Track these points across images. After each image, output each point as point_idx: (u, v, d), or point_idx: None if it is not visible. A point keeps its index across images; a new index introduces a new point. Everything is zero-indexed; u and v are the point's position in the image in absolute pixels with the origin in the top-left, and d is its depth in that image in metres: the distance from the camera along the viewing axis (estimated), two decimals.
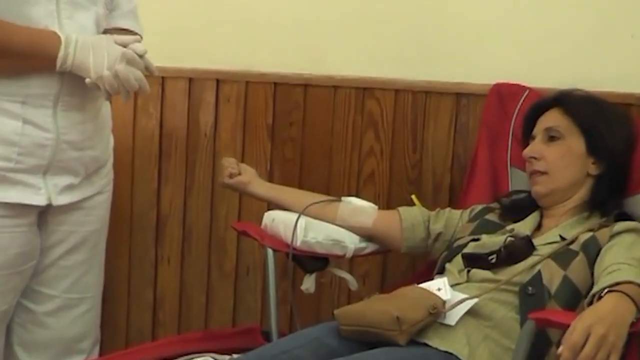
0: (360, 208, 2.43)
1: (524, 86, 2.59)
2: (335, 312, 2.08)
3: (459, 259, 2.22)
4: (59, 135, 2.16)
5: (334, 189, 2.78)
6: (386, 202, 2.76)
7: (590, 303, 1.89)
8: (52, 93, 2.13)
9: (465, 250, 2.23)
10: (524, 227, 2.25)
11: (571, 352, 1.72)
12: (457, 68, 2.72)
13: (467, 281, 2.14)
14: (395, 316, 1.94)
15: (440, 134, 2.74)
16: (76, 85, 2.13)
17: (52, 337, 2.36)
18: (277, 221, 2.41)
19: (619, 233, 2.12)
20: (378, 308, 2.00)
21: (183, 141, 2.89)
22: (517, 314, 2.04)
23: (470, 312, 2.02)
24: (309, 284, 2.40)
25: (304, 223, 2.36)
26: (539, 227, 2.26)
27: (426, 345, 1.99)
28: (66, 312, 2.35)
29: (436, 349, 1.97)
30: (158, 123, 2.90)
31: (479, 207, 2.40)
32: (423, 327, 1.98)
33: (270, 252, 2.36)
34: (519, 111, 2.53)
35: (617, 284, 1.87)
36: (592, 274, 2.06)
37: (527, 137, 2.36)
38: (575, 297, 2.05)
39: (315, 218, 2.40)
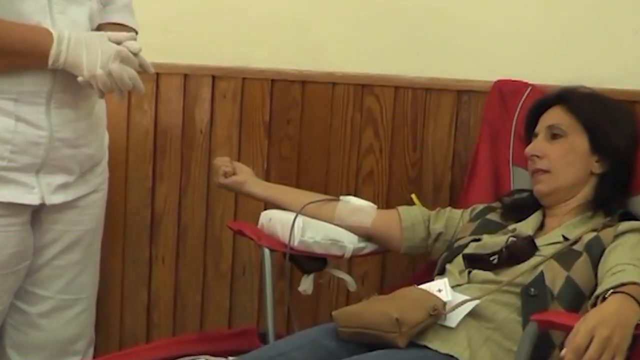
0: (359, 207, 2.43)
1: (526, 83, 2.59)
2: (334, 313, 2.08)
3: (459, 259, 2.22)
4: (52, 133, 2.15)
5: (332, 187, 2.78)
6: (385, 201, 2.76)
7: (594, 304, 1.89)
8: (44, 90, 2.12)
9: (466, 251, 2.23)
10: (526, 227, 2.25)
11: (575, 354, 1.71)
12: (458, 65, 2.72)
13: (468, 282, 2.14)
14: (394, 318, 1.94)
15: (440, 131, 2.74)
16: (69, 83, 2.12)
17: (46, 339, 2.35)
18: (274, 220, 2.41)
19: (623, 233, 2.12)
20: (377, 309, 2.00)
21: (178, 139, 2.89)
22: (519, 315, 2.04)
23: (472, 314, 2.03)
24: (306, 284, 2.40)
25: (302, 222, 2.36)
26: (541, 227, 2.26)
27: (426, 347, 1.99)
28: (60, 313, 2.35)
29: (436, 351, 1.98)
30: (153, 120, 2.89)
31: (480, 207, 2.40)
32: (423, 329, 1.98)
33: (267, 252, 2.36)
34: (521, 109, 2.53)
35: (622, 285, 1.87)
36: (596, 275, 2.06)
37: (529, 135, 2.36)
38: (579, 299, 2.05)
39: (313, 217, 2.40)
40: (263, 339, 2.36)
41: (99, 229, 2.43)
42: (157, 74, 2.80)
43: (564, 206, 2.26)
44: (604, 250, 2.09)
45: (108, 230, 2.52)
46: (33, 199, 2.18)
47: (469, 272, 2.16)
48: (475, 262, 2.17)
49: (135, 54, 2.12)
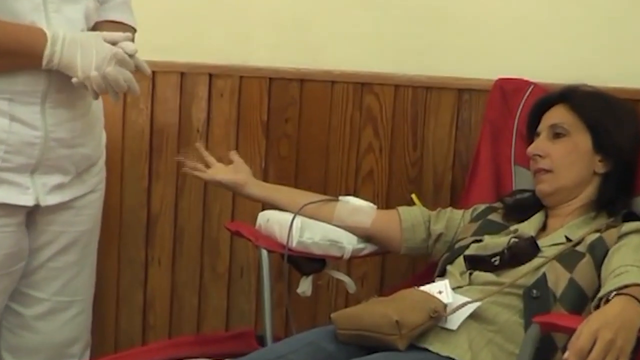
0: (358, 208, 2.43)
1: (528, 81, 2.59)
2: (333, 315, 2.07)
3: (460, 260, 2.21)
4: (47, 133, 2.15)
5: (331, 187, 2.77)
6: (385, 202, 2.76)
7: (598, 306, 1.89)
8: (39, 90, 2.12)
9: (467, 252, 2.22)
10: (528, 227, 2.24)
11: (577, 357, 1.71)
12: (458, 62, 2.72)
13: (470, 284, 2.14)
14: (394, 320, 1.94)
15: (441, 130, 2.74)
16: (65, 82, 2.12)
17: (41, 342, 2.34)
18: (272, 221, 2.41)
19: (627, 234, 2.11)
20: (377, 311, 2.00)
21: (174, 138, 2.88)
22: (521, 317, 2.04)
23: (473, 316, 2.02)
24: (305, 286, 2.40)
25: (300, 223, 2.35)
26: (543, 228, 2.25)
27: (427, 350, 1.98)
28: (56, 315, 2.34)
29: (437, 354, 1.97)
30: (149, 119, 2.89)
31: (481, 207, 2.40)
32: (423, 331, 1.98)
33: (264, 253, 2.36)
34: (523, 107, 2.53)
35: (625, 286, 1.87)
36: (599, 276, 2.06)
37: (531, 134, 2.36)
38: (582, 301, 2.05)
39: (312, 218, 2.39)
40: (261, 341, 2.36)
41: (96, 229, 2.42)
42: (153, 72, 2.77)
43: (566, 206, 2.25)
44: (607, 251, 2.09)
45: (103, 230, 2.52)
46: (27, 200, 2.17)
47: (470, 274, 2.16)
48: (476, 263, 2.17)
49: (131, 55, 2.11)
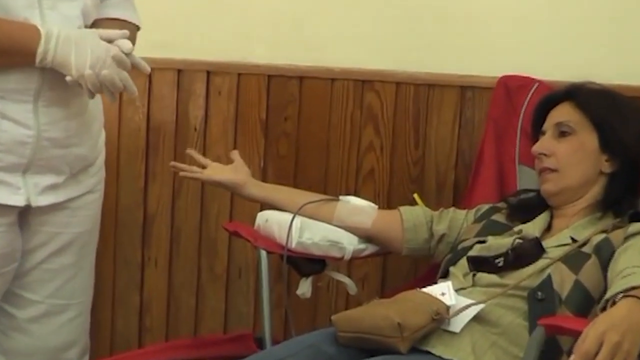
0: (359, 207, 2.43)
1: (533, 78, 2.59)
2: (333, 317, 2.07)
3: (463, 262, 2.21)
4: (40, 132, 2.13)
5: (331, 187, 2.77)
6: (386, 201, 2.76)
7: (604, 309, 1.88)
8: (32, 88, 2.10)
9: (471, 253, 2.22)
10: (532, 228, 2.24)
11: None
12: (461, 59, 2.72)
13: (473, 285, 2.14)
14: (396, 322, 1.94)
15: (443, 129, 2.74)
16: (59, 80, 2.09)
17: (36, 345, 2.33)
18: (271, 221, 2.41)
19: (633, 234, 2.11)
20: (378, 313, 2.00)
21: (171, 136, 2.88)
22: (526, 320, 2.04)
23: (476, 319, 2.02)
24: (305, 288, 2.40)
25: (300, 223, 2.35)
26: (548, 228, 2.25)
27: (429, 353, 1.98)
28: (50, 318, 2.33)
29: (440, 357, 1.97)
30: (145, 117, 2.89)
31: (485, 207, 2.39)
32: (426, 333, 1.98)
33: (263, 254, 2.36)
34: (528, 105, 2.54)
35: (633, 288, 1.86)
36: (606, 278, 2.05)
37: (536, 132, 2.36)
38: (588, 303, 2.04)
39: (311, 218, 2.39)
40: (259, 344, 2.36)
41: (94, 231, 2.40)
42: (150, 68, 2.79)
43: (572, 207, 2.25)
44: (613, 252, 2.08)
45: (99, 231, 2.51)
46: (18, 200, 2.16)
47: (474, 275, 2.16)
48: (480, 264, 2.17)
49: (128, 54, 2.10)
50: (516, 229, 2.26)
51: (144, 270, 2.96)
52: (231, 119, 2.85)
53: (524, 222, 2.28)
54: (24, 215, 2.22)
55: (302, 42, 2.82)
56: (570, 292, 2.04)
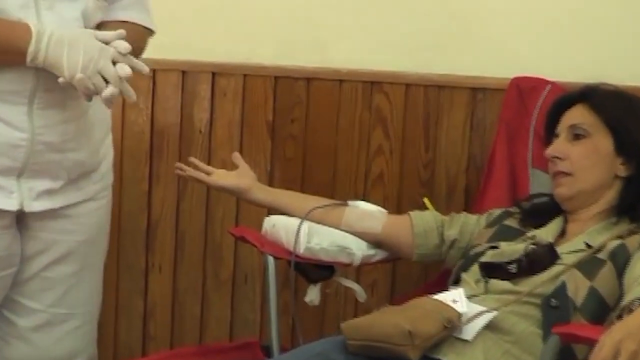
0: (368, 212, 2.42)
1: (546, 80, 2.59)
2: (342, 325, 2.06)
3: (475, 268, 2.20)
4: (34, 135, 2.10)
5: (339, 191, 2.77)
6: (396, 206, 2.76)
7: (620, 316, 1.88)
8: (27, 89, 2.08)
9: (483, 259, 2.22)
10: (546, 233, 2.24)
11: None
12: (472, 60, 2.72)
13: (485, 292, 2.13)
14: (407, 330, 1.93)
15: (454, 131, 2.74)
16: (55, 82, 2.05)
17: (37, 355, 2.31)
18: (278, 226, 2.40)
19: None
20: (388, 321, 1.99)
21: (176, 139, 2.88)
22: (540, 328, 2.03)
23: (489, 326, 2.01)
24: (313, 294, 2.40)
25: (308, 228, 2.35)
26: (562, 234, 2.24)
27: None
28: (52, 328, 2.31)
29: None
30: (149, 119, 2.88)
31: (497, 212, 2.39)
32: (437, 341, 1.97)
33: (270, 259, 2.35)
34: (541, 107, 2.54)
35: None
36: (621, 285, 2.05)
37: (549, 135, 2.35)
38: (603, 310, 2.04)
39: (320, 223, 2.39)
40: (266, 352, 2.36)
41: (98, 241, 2.37)
42: (154, 70, 2.79)
43: (586, 211, 2.24)
44: (629, 258, 2.08)
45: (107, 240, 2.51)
46: (11, 204, 2.13)
47: (486, 282, 2.15)
48: (492, 271, 2.16)
49: (124, 55, 2.06)
50: (529, 234, 2.25)
51: (148, 276, 2.96)
52: (237, 121, 2.85)
53: (537, 227, 2.27)
54: (23, 219, 2.21)
55: (309, 42, 2.82)
56: (585, 300, 2.03)
